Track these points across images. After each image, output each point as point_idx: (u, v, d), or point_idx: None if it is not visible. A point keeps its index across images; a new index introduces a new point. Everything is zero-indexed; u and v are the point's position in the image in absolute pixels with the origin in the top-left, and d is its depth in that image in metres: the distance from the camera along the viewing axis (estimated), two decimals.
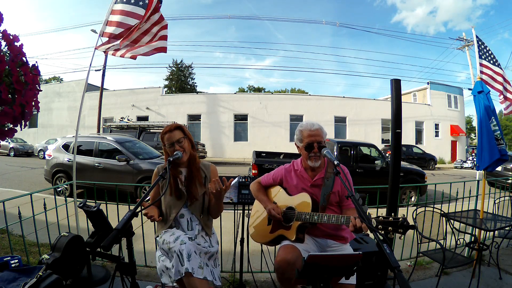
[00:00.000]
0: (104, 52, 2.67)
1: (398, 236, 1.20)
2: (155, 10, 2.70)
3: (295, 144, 1.88)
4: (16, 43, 1.16)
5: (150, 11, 2.66)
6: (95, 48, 2.67)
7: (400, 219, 1.20)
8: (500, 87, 3.26)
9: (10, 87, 1.12)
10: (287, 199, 1.80)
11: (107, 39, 2.70)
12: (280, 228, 1.76)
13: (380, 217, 1.25)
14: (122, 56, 2.62)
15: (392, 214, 1.27)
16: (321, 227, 1.73)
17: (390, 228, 1.20)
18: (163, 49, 2.80)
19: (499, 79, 3.25)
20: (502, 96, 3.33)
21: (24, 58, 1.19)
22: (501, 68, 3.31)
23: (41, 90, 1.32)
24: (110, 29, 2.72)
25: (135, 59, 2.69)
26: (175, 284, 1.57)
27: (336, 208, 1.77)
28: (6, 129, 1.20)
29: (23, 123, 1.23)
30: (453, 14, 72.00)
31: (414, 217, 2.60)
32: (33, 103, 1.24)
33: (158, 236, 1.75)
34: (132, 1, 2.75)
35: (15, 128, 1.24)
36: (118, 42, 2.61)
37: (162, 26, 2.78)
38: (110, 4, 2.76)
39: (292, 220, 1.70)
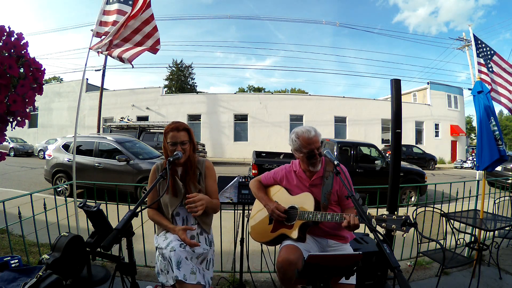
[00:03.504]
0: (98, 53, 2.65)
1: (401, 234, 1.22)
2: (145, 7, 2.67)
3: (292, 152, 1.84)
4: (10, 37, 1.09)
5: (137, 8, 2.64)
6: (90, 49, 2.68)
7: (403, 217, 1.22)
8: (499, 88, 3.26)
9: None
10: (289, 199, 1.79)
11: (100, 39, 2.71)
12: (281, 227, 1.76)
13: (384, 215, 1.26)
14: (119, 56, 2.60)
15: (395, 212, 1.30)
16: (322, 227, 1.73)
17: (393, 226, 1.22)
18: (155, 50, 2.79)
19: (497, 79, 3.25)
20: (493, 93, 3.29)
21: (12, 51, 1.10)
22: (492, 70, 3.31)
23: (43, 84, 1.22)
24: (103, 29, 2.73)
25: (131, 62, 2.67)
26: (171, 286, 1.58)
27: (336, 208, 1.77)
28: None
29: (13, 122, 1.13)
30: (454, 15, 72.19)
31: (414, 217, 2.60)
32: (25, 101, 1.12)
33: (155, 237, 1.77)
34: (129, 1, 2.76)
35: (5, 127, 1.13)
36: (108, 40, 2.61)
37: (153, 27, 2.76)
38: (101, 5, 2.77)
39: (294, 219, 1.70)
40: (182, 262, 1.53)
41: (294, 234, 1.66)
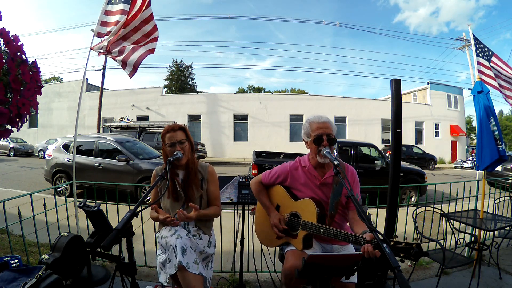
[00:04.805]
0: (99, 54, 2.66)
1: (407, 263, 1.16)
2: (145, 7, 2.68)
3: (303, 139, 1.75)
4: (15, 43, 1.14)
5: (138, 7, 2.65)
6: (91, 49, 2.68)
7: (414, 245, 1.13)
8: (496, 84, 3.26)
9: (7, 86, 1.10)
10: (291, 203, 1.72)
11: (101, 39, 2.71)
12: (286, 235, 1.71)
13: (392, 241, 1.16)
14: (123, 61, 2.62)
15: (405, 238, 1.19)
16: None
17: (402, 254, 1.14)
18: (152, 51, 2.80)
19: (493, 76, 3.26)
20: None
21: (23, 56, 1.17)
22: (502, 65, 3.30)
23: (43, 86, 1.29)
24: (105, 30, 2.73)
25: (134, 72, 2.70)
26: (170, 282, 1.57)
27: (342, 212, 1.71)
28: (2, 129, 1.18)
29: (19, 124, 1.21)
30: (455, 15, 72.24)
31: (414, 217, 2.60)
32: (30, 103, 1.21)
33: (158, 232, 1.77)
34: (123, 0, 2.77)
35: (12, 128, 1.21)
36: (108, 40, 2.62)
37: (153, 26, 2.76)
38: (103, 5, 2.77)
39: (297, 229, 1.63)
40: (187, 250, 1.54)
41: (299, 245, 1.61)
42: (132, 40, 2.73)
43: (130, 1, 2.74)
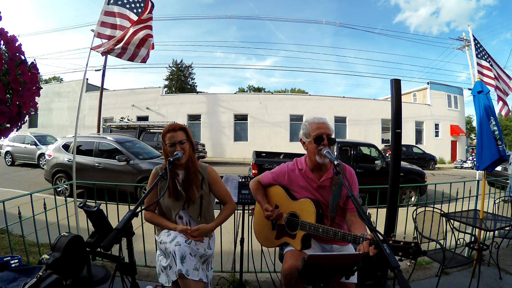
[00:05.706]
0: (102, 54, 2.68)
1: (407, 263, 1.12)
2: (148, 11, 2.73)
3: (301, 140, 1.74)
4: (14, 43, 1.15)
5: (144, 17, 2.69)
6: (91, 49, 2.69)
7: (412, 244, 1.10)
8: (494, 82, 3.27)
9: (7, 86, 1.10)
10: (290, 204, 1.72)
11: (101, 40, 2.73)
12: (284, 235, 1.71)
13: (390, 240, 1.14)
14: (119, 56, 2.64)
15: (404, 237, 1.16)
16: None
17: (400, 253, 1.11)
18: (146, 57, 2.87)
19: (494, 76, 3.27)
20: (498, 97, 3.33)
21: (22, 57, 1.17)
22: (497, 67, 3.32)
23: (41, 88, 1.30)
24: (105, 30, 2.74)
25: (132, 61, 2.72)
26: (171, 284, 1.58)
27: (342, 213, 1.70)
28: (2, 128, 1.18)
29: (19, 123, 1.22)
30: (456, 15, 72.20)
31: (414, 217, 2.60)
32: (30, 103, 1.22)
33: (157, 236, 1.77)
34: (127, 5, 2.78)
35: (12, 128, 1.22)
36: (112, 43, 2.64)
37: (149, 34, 2.83)
38: (103, 5, 2.77)
39: (296, 229, 1.63)
40: (186, 257, 1.54)
41: (298, 245, 1.61)
42: (134, 44, 2.77)
43: (128, 6, 2.77)
